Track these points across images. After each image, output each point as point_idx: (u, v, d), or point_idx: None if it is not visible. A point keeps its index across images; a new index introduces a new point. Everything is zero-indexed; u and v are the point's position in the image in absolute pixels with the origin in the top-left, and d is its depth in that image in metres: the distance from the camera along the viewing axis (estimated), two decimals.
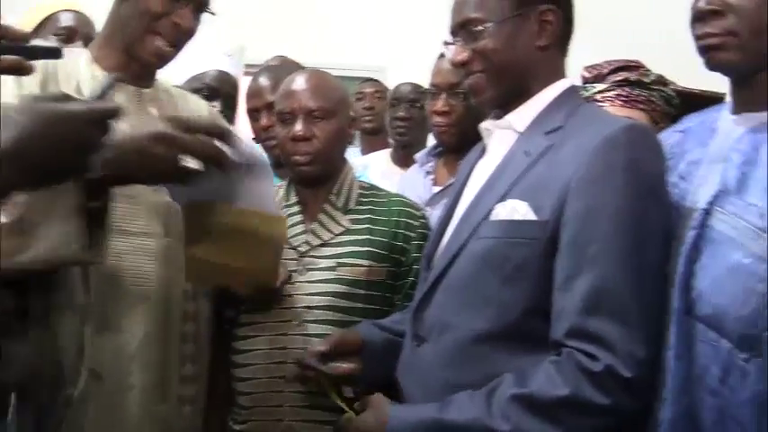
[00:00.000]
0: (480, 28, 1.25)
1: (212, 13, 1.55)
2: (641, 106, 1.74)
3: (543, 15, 1.26)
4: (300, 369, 1.51)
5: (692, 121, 1.29)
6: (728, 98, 1.20)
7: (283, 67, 2.16)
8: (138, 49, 1.49)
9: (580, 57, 1.92)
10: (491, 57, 1.26)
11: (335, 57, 3.91)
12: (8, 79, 1.30)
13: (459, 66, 1.30)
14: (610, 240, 1.11)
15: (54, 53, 1.08)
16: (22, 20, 2.30)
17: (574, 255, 1.13)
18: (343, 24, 4.78)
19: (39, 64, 1.39)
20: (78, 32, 2.25)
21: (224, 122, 1.27)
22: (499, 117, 1.32)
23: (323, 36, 4.67)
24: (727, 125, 1.17)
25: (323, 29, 4.74)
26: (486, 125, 1.35)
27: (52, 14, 2.28)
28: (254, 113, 2.16)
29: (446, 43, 1.33)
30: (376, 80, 3.50)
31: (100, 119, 0.98)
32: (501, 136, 1.31)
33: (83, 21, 2.29)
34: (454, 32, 1.31)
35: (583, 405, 1.09)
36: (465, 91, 1.54)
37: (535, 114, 1.27)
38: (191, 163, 1.20)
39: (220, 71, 2.27)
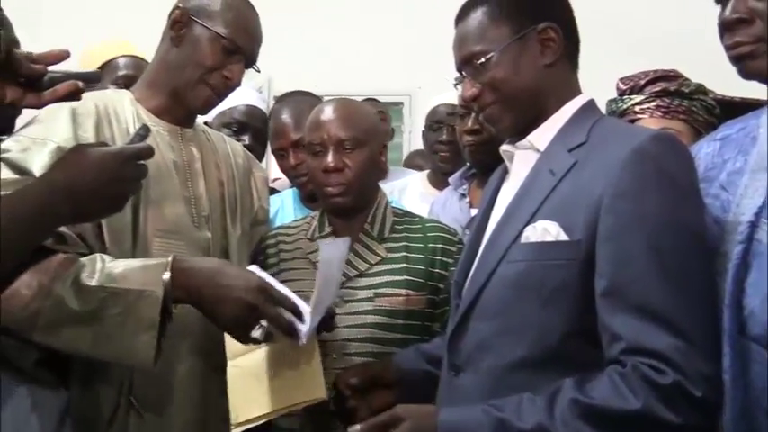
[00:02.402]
0: (483, 60, 1.25)
1: (257, 70, 1.61)
2: (682, 117, 1.70)
3: (543, 34, 1.25)
4: (335, 402, 1.49)
5: (730, 128, 1.24)
6: None
7: (303, 101, 2.15)
8: (187, 96, 1.54)
9: (614, 69, 1.91)
10: (499, 87, 1.26)
11: (361, 84, 3.92)
12: (65, 120, 1.40)
13: (471, 101, 1.30)
14: (650, 255, 1.08)
15: (93, 78, 1.15)
16: (80, 60, 2.28)
17: (615, 272, 1.09)
18: (368, 52, 4.81)
19: (91, 107, 1.45)
20: (137, 79, 2.26)
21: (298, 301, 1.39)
22: (519, 139, 1.31)
23: (348, 65, 4.70)
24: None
25: (347, 58, 4.77)
26: (506, 148, 1.34)
27: (111, 60, 2.26)
28: (279, 153, 2.16)
29: (456, 82, 1.33)
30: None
31: (132, 158, 1.16)
32: (523, 157, 1.30)
33: (140, 66, 2.29)
34: (459, 69, 1.31)
35: (653, 421, 1.04)
36: None
37: (555, 132, 1.26)
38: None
39: (249, 105, 2.29)
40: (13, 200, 1.12)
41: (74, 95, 1.08)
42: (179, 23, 1.54)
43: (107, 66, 2.27)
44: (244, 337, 1.36)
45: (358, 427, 1.16)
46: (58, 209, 1.13)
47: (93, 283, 1.29)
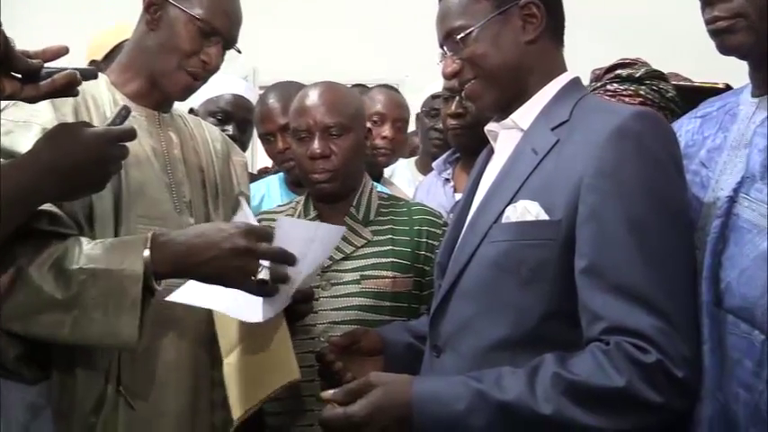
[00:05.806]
0: (463, 35, 1.25)
1: (238, 51, 1.57)
2: (627, 100, 1.70)
3: (525, 10, 1.25)
4: (321, 364, 1.49)
5: (710, 105, 1.25)
6: (748, 81, 1.16)
7: (291, 86, 2.13)
8: (165, 82, 1.51)
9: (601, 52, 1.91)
10: (479, 62, 1.25)
11: (348, 73, 3.92)
12: (45, 103, 1.34)
13: (452, 77, 1.29)
14: (631, 234, 1.08)
15: (90, 75, 1.13)
16: (90, 45, 2.25)
17: (596, 252, 1.09)
18: (355, 40, 4.81)
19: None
20: None
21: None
22: (504, 118, 1.30)
23: (334, 53, 4.69)
24: (748, 109, 1.14)
25: (334, 46, 4.76)
26: (490, 127, 1.33)
27: (120, 44, 2.17)
28: (267, 137, 2.15)
29: (440, 59, 1.33)
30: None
31: (115, 139, 1.17)
32: (507, 136, 1.29)
33: None
34: (441, 45, 1.31)
35: (634, 399, 1.03)
36: None
37: (539, 110, 1.25)
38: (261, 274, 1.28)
39: (236, 95, 2.29)
40: None
41: (71, 87, 1.06)
42: (154, 5, 1.50)
43: (118, 48, 2.22)
44: (251, 285, 1.29)
45: (331, 392, 1.15)
46: (43, 187, 1.13)
47: (73, 266, 1.26)
